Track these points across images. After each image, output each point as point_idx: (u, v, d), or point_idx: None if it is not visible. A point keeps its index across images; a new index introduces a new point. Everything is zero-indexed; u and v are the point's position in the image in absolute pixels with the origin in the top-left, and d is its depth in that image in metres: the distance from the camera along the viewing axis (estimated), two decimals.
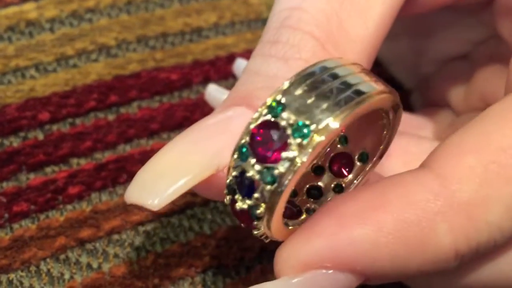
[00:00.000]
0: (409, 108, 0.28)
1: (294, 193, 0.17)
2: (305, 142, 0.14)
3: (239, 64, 0.26)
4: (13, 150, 0.23)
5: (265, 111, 0.14)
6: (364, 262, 0.15)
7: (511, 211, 0.16)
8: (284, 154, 0.14)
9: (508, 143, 0.16)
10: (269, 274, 0.22)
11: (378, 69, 0.29)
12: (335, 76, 0.15)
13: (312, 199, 0.17)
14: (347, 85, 0.15)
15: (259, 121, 0.14)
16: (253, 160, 0.14)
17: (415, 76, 0.28)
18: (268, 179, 0.14)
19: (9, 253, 0.20)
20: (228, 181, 0.15)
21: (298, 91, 0.14)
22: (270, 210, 0.14)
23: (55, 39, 0.26)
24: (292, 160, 0.14)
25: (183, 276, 0.21)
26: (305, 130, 0.14)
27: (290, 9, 0.18)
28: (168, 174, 0.16)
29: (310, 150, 0.14)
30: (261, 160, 0.14)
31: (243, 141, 0.15)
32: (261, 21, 0.29)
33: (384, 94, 0.15)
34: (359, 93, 0.14)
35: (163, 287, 0.21)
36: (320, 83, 0.14)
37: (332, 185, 0.17)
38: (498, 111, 0.17)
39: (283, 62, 0.17)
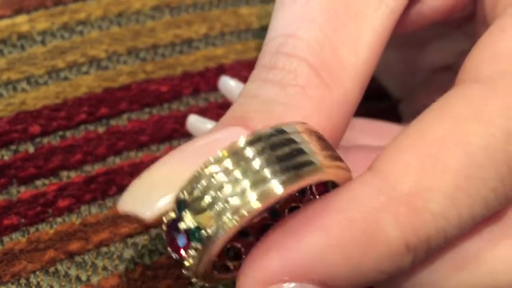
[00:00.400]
0: (397, 117, 0.29)
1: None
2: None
3: (224, 81, 0.26)
4: (4, 164, 0.23)
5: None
6: (319, 269, 0.15)
7: (452, 200, 0.16)
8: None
9: (441, 134, 0.17)
10: None
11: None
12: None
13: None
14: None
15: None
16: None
17: (403, 86, 0.29)
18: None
19: (0, 266, 0.21)
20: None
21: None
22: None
23: (47, 51, 0.26)
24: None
25: None
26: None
27: (285, 35, 0.19)
28: (161, 187, 0.16)
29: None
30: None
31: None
32: (251, 32, 0.29)
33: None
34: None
35: None
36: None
37: None
38: (435, 107, 0.18)
39: (280, 87, 0.18)
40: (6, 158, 0.23)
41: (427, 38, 0.26)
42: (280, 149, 0.15)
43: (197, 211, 0.15)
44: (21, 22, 0.27)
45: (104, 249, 0.22)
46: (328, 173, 0.15)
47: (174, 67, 0.27)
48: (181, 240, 0.15)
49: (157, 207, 0.16)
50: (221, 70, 0.27)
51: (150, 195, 0.16)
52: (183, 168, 0.16)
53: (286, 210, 0.17)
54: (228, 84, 0.24)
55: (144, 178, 0.17)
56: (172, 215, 0.15)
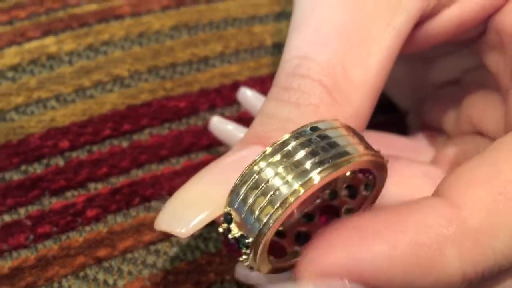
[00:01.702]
0: (405, 129, 0.30)
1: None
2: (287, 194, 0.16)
3: (243, 92, 0.27)
4: (37, 177, 0.25)
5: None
6: (379, 277, 0.17)
7: None
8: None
9: None
10: None
11: None
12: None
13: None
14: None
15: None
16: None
17: (410, 99, 0.30)
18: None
19: (34, 272, 0.23)
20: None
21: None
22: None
23: (73, 71, 0.28)
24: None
25: None
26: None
27: (300, 58, 0.20)
28: (194, 206, 0.18)
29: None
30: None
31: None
32: (264, 49, 0.31)
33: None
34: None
35: None
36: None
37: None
38: (507, 143, 0.19)
39: (295, 107, 0.20)
40: (38, 171, 0.25)
41: (435, 55, 0.27)
42: (318, 143, 0.17)
43: (240, 224, 0.17)
44: (50, 43, 0.29)
45: (129, 255, 0.24)
46: (362, 161, 0.17)
47: (191, 84, 0.29)
48: (234, 246, 0.17)
49: (191, 225, 0.18)
50: (236, 86, 0.29)
51: (185, 214, 0.18)
52: (215, 187, 0.18)
53: (294, 233, 0.19)
54: (247, 95, 0.26)
55: (178, 197, 0.18)
56: (222, 228, 0.17)
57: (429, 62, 0.28)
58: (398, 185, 0.23)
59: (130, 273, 0.23)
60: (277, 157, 0.17)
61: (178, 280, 0.23)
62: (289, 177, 0.16)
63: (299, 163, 0.16)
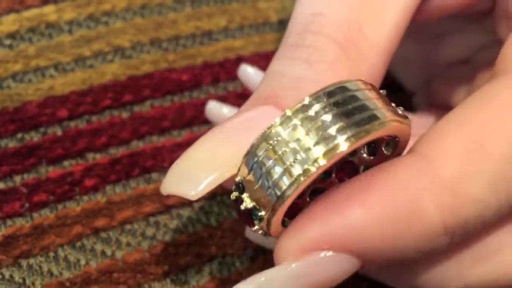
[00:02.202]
0: (412, 110, 0.29)
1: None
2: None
3: (244, 69, 0.27)
4: (34, 145, 0.24)
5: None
6: (358, 242, 0.16)
7: (494, 187, 0.17)
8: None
9: (485, 121, 0.17)
10: (271, 264, 0.23)
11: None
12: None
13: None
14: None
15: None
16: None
17: (418, 79, 0.30)
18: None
19: (29, 240, 0.22)
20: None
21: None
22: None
23: (73, 40, 0.28)
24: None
25: (191, 264, 0.22)
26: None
27: (312, 14, 0.19)
28: (204, 166, 0.17)
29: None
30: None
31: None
32: (269, 25, 0.30)
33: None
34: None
35: (172, 274, 0.22)
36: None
37: None
38: (479, 95, 0.19)
39: (308, 65, 0.18)
40: (35, 139, 0.24)
41: (445, 31, 0.27)
42: (344, 105, 0.16)
43: (254, 190, 0.16)
44: (49, 12, 0.28)
45: (128, 226, 0.23)
46: (393, 127, 0.16)
47: (194, 57, 0.28)
48: (245, 215, 0.16)
49: (202, 186, 0.16)
50: (240, 61, 0.28)
51: (195, 175, 0.17)
52: (225, 147, 0.17)
53: (309, 191, 0.18)
54: (247, 72, 0.25)
55: (186, 159, 0.17)
56: (234, 195, 0.16)
57: (438, 40, 0.27)
58: None
59: (128, 244, 0.22)
60: (299, 120, 0.15)
61: (178, 252, 0.22)
62: (312, 143, 0.15)
63: (324, 128, 0.15)
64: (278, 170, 0.15)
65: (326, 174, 0.18)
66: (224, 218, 0.23)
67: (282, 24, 0.31)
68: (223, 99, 0.27)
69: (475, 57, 0.26)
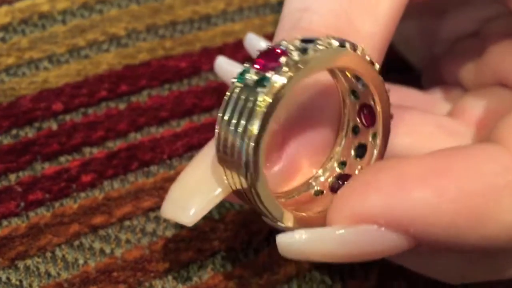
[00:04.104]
0: (420, 89, 0.28)
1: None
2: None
3: (250, 39, 0.25)
4: (28, 141, 0.23)
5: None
6: (419, 226, 0.15)
7: None
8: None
9: None
10: (277, 257, 0.22)
11: (388, 50, 0.29)
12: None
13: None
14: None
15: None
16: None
17: (425, 57, 0.29)
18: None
19: (26, 240, 0.21)
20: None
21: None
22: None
23: (67, 30, 0.27)
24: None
25: (193, 260, 0.22)
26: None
27: (300, 10, 0.19)
28: (195, 193, 0.17)
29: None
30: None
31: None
32: (269, 7, 0.29)
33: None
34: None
35: (173, 271, 0.21)
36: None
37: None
38: None
39: None
40: (30, 135, 0.24)
41: (449, 6, 0.25)
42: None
43: (231, 142, 0.15)
44: (42, 2, 0.27)
45: (127, 223, 0.22)
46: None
47: (193, 43, 0.27)
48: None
49: (195, 214, 0.16)
50: (239, 45, 0.27)
51: (187, 202, 0.17)
52: (213, 170, 0.17)
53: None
54: (254, 41, 0.24)
55: (178, 186, 0.17)
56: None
57: (442, 15, 0.26)
58: (408, 134, 0.22)
59: (128, 241, 0.22)
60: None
61: (179, 248, 0.22)
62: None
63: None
64: (240, 123, 0.15)
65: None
66: (226, 210, 0.23)
67: (283, 5, 0.30)
68: (223, 86, 0.26)
69: (483, 29, 0.25)
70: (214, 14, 0.28)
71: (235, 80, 0.16)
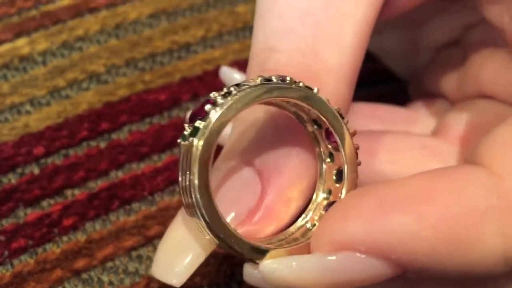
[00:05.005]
0: (408, 99, 0.28)
1: None
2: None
3: (225, 72, 0.26)
4: (11, 187, 0.24)
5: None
6: (400, 253, 0.15)
7: None
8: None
9: None
10: None
11: (372, 63, 0.29)
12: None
13: None
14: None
15: None
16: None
17: (408, 67, 0.28)
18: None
19: None
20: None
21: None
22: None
23: (47, 72, 0.27)
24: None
25: None
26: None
27: (266, 50, 0.19)
28: (179, 254, 0.17)
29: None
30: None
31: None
32: (249, 29, 0.29)
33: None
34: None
35: None
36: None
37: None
38: None
39: None
40: (13, 181, 0.24)
41: (426, 15, 0.25)
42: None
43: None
44: (22, 44, 0.28)
45: (109, 264, 0.22)
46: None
47: (172, 74, 0.27)
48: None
49: (182, 274, 0.17)
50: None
51: (172, 264, 0.17)
52: (192, 231, 0.17)
53: None
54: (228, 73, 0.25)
55: (164, 245, 0.18)
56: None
57: (421, 25, 0.25)
58: (392, 161, 0.21)
59: (111, 283, 0.22)
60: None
61: (162, 285, 0.22)
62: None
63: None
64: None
65: None
66: None
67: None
68: None
69: (464, 38, 0.25)
70: (193, 42, 0.28)
71: (180, 140, 0.16)
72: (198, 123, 0.16)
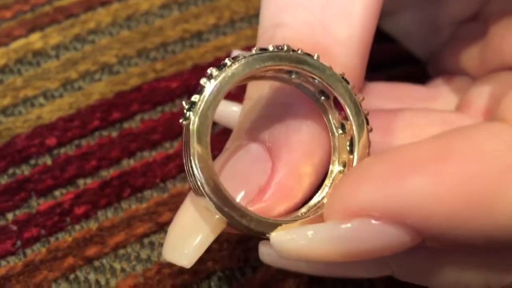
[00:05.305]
0: (427, 79, 0.27)
1: None
2: None
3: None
4: (24, 178, 0.23)
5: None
6: (417, 217, 0.14)
7: None
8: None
9: None
10: (275, 272, 0.21)
11: (391, 45, 0.28)
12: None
13: None
14: None
15: None
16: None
17: (429, 47, 0.27)
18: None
19: (22, 278, 0.21)
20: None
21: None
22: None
23: (60, 65, 0.27)
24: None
25: (188, 283, 0.21)
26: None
27: (274, 26, 0.18)
28: (188, 235, 0.17)
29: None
30: None
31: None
32: None
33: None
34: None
35: None
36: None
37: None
38: None
39: None
40: (26, 172, 0.24)
41: None
42: None
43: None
44: (35, 39, 0.28)
45: (121, 251, 0.22)
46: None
47: (184, 62, 0.27)
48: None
49: (191, 256, 0.16)
50: None
51: (182, 245, 0.17)
52: (202, 211, 0.17)
53: None
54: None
55: (173, 228, 0.17)
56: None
57: (439, 1, 0.25)
58: (412, 138, 0.21)
59: (123, 270, 0.21)
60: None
61: (173, 272, 0.21)
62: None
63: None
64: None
65: None
66: None
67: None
68: None
69: (484, 10, 0.24)
70: (205, 29, 0.28)
71: (181, 120, 0.16)
72: (194, 98, 0.16)
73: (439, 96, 0.24)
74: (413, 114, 0.21)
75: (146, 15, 0.28)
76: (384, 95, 0.24)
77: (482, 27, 0.24)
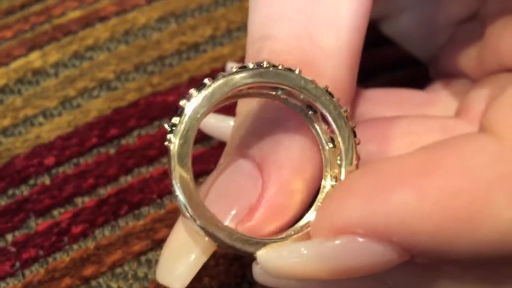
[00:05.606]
0: (428, 81, 0.27)
1: None
2: None
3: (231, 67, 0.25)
4: (23, 199, 0.24)
5: None
6: (402, 233, 0.14)
7: None
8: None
9: None
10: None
11: (392, 48, 0.27)
12: None
13: None
14: None
15: None
16: None
17: (429, 49, 0.27)
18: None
19: None
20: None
21: None
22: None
23: (58, 83, 0.27)
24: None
25: None
26: None
27: (261, 39, 0.18)
28: (181, 256, 0.17)
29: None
30: None
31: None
32: None
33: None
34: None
35: None
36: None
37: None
38: None
39: None
40: (25, 193, 0.24)
41: None
42: None
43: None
44: (35, 58, 0.28)
45: (118, 270, 0.22)
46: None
47: (180, 75, 0.27)
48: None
49: (183, 278, 0.16)
50: None
51: (174, 268, 0.17)
52: (193, 234, 0.16)
53: None
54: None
55: (166, 250, 0.17)
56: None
57: (437, 1, 0.24)
58: (411, 145, 0.20)
59: None
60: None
61: None
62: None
63: None
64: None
65: None
66: None
67: None
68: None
69: (480, 11, 0.23)
70: (202, 41, 0.28)
71: (166, 143, 0.16)
72: (175, 120, 0.16)
73: (439, 100, 0.24)
74: (410, 122, 0.21)
75: (143, 29, 0.28)
76: (381, 102, 0.24)
77: (480, 28, 0.23)
